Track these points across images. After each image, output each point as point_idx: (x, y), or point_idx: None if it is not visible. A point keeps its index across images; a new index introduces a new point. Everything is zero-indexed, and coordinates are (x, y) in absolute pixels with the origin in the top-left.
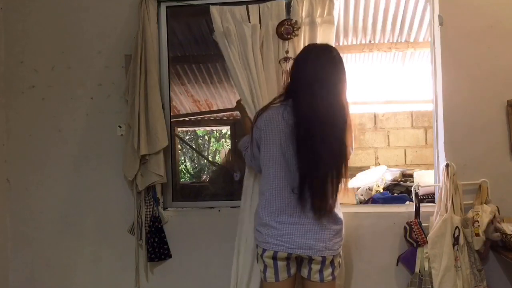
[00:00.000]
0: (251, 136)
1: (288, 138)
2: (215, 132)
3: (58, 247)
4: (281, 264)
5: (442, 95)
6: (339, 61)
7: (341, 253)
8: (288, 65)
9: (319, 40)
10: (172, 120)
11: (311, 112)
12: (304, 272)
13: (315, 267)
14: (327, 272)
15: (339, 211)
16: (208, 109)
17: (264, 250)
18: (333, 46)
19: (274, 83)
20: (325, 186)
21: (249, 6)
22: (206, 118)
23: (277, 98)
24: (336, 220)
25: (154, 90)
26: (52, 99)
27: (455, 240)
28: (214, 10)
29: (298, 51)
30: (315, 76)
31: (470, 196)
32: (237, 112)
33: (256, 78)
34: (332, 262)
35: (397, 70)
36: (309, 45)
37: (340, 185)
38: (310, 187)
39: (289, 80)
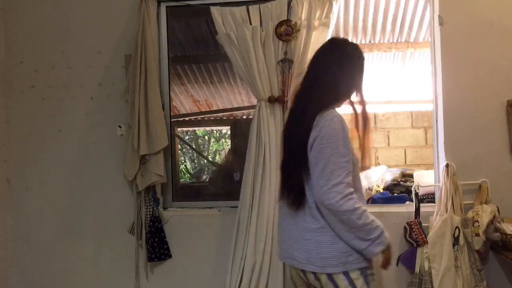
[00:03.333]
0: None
1: None
2: (215, 132)
3: (58, 247)
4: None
5: (442, 95)
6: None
7: (346, 276)
8: (286, 67)
9: (314, 42)
10: (172, 120)
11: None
12: None
13: None
14: None
15: (331, 232)
16: (208, 109)
17: None
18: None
19: (274, 83)
20: (293, 186)
21: (250, 7)
22: (206, 118)
23: None
24: (320, 232)
25: (154, 90)
26: (52, 99)
27: (455, 240)
28: (215, 11)
29: (295, 53)
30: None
31: (470, 196)
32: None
33: (258, 78)
34: (333, 281)
35: (397, 70)
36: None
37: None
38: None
39: None
